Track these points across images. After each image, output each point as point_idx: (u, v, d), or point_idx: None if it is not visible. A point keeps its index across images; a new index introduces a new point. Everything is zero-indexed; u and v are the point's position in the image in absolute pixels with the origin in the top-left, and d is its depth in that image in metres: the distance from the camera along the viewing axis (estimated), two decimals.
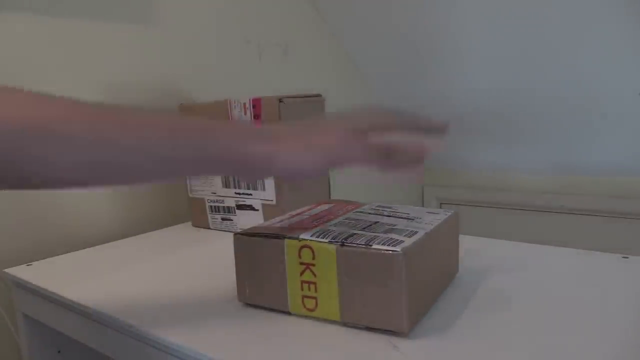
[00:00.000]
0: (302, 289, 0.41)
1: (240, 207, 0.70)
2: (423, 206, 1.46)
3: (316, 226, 0.43)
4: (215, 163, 0.37)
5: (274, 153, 0.37)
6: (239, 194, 0.69)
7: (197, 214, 0.75)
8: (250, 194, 0.68)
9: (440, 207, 1.56)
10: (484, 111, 1.27)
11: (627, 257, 0.53)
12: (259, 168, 0.37)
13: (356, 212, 0.48)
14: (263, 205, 0.67)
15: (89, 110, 0.34)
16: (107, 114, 0.35)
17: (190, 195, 0.75)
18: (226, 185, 0.70)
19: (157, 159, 0.35)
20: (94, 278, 0.55)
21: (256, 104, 0.65)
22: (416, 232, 0.41)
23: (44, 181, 0.34)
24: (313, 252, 0.39)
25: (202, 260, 0.60)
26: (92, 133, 0.33)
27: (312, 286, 0.40)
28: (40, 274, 0.58)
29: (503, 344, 0.36)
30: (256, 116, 0.66)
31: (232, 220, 0.71)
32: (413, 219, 0.45)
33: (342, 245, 0.38)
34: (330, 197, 0.74)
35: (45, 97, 0.34)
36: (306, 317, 0.41)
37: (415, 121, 0.43)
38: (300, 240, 0.40)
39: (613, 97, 1.07)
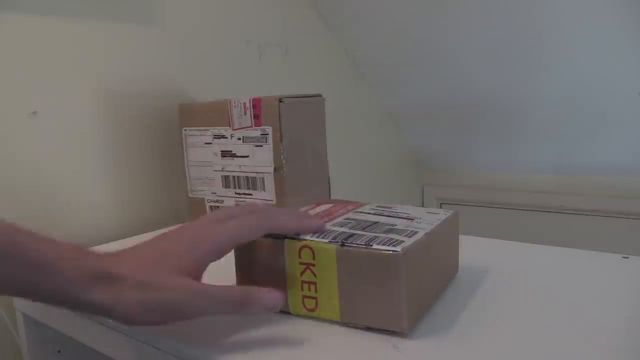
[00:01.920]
0: (302, 289, 0.41)
1: None
2: (423, 206, 1.47)
3: None
4: (46, 301, 0.33)
5: (111, 304, 0.33)
6: (239, 194, 0.69)
7: (197, 214, 0.75)
8: (250, 194, 0.68)
9: (440, 207, 1.56)
10: (483, 111, 1.27)
11: (627, 257, 0.53)
12: (95, 312, 0.34)
13: (356, 212, 0.48)
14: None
15: None
16: None
17: (190, 195, 0.75)
18: (226, 185, 0.70)
19: None
20: None
21: (256, 104, 0.65)
22: (416, 232, 0.41)
23: None
24: (313, 252, 0.39)
25: None
26: None
27: (312, 286, 0.40)
28: None
29: (503, 344, 0.36)
30: (256, 116, 0.66)
31: None
32: (413, 219, 0.45)
33: (342, 245, 0.38)
34: (330, 197, 0.74)
35: None
36: (306, 317, 0.41)
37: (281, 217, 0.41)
38: (300, 240, 0.40)
39: (613, 97, 1.08)
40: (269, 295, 0.37)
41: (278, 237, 0.41)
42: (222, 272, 0.52)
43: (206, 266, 0.38)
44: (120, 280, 0.33)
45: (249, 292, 0.37)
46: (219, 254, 0.38)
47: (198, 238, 0.38)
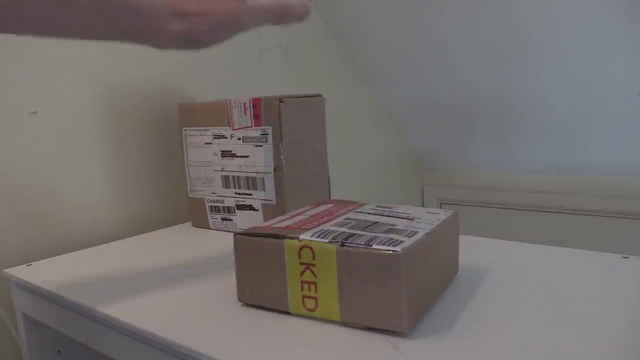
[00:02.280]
0: (302, 289, 0.41)
1: (240, 207, 0.70)
2: (423, 206, 1.47)
3: (316, 226, 0.43)
4: (139, 33, 0.45)
5: (188, 30, 0.45)
6: (238, 194, 0.69)
7: (197, 214, 0.75)
8: (250, 194, 0.68)
9: (440, 207, 1.56)
10: (483, 111, 1.27)
11: (627, 257, 0.53)
12: (176, 39, 0.45)
13: (356, 212, 0.48)
14: (263, 205, 0.67)
15: None
16: None
17: (190, 196, 0.75)
18: (226, 185, 0.70)
19: (100, 28, 0.43)
20: (94, 278, 0.55)
21: (256, 104, 0.65)
22: (416, 232, 0.41)
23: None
24: (313, 252, 0.39)
25: (202, 260, 0.60)
26: None
27: (312, 286, 0.40)
28: (40, 274, 0.58)
29: (503, 344, 0.36)
30: (256, 116, 0.66)
31: (232, 220, 0.71)
32: (413, 219, 0.45)
33: (342, 245, 0.38)
34: (330, 197, 0.74)
35: None
36: (306, 317, 0.41)
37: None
38: (300, 240, 0.40)
39: (613, 97, 1.08)
40: (299, 8, 0.48)
41: (278, 237, 0.41)
42: (222, 272, 0.52)
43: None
44: (191, 15, 0.45)
45: (285, 5, 0.48)
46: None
47: None
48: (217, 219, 0.73)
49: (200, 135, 0.71)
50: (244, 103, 0.66)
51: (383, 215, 0.47)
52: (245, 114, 0.66)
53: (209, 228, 0.74)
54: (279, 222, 0.46)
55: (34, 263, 0.62)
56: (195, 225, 0.76)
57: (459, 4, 1.04)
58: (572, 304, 0.42)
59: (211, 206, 0.73)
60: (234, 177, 0.69)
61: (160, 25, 0.44)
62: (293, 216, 0.48)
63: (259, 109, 0.65)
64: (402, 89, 1.32)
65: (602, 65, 1.02)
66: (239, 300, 0.44)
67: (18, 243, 0.67)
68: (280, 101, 0.64)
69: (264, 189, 0.67)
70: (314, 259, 0.39)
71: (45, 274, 0.58)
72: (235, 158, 0.68)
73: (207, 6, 0.46)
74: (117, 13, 0.43)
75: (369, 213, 0.48)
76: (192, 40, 0.46)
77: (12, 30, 0.41)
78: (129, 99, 0.78)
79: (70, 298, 0.49)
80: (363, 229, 0.42)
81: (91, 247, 0.68)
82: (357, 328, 0.39)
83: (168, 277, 0.54)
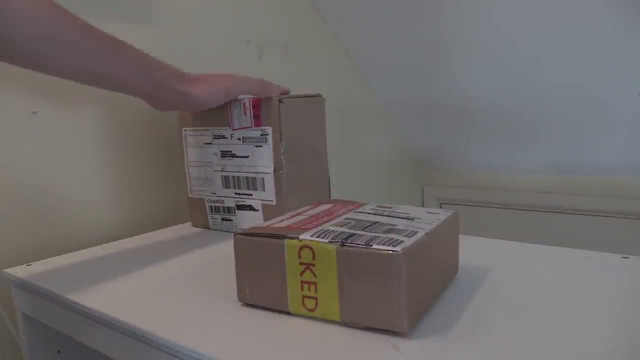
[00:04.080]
0: (302, 289, 0.41)
1: (240, 207, 0.70)
2: (423, 206, 1.47)
3: (316, 226, 0.43)
4: (154, 89, 0.57)
5: (191, 91, 0.60)
6: (238, 194, 0.69)
7: (197, 214, 0.75)
8: (250, 194, 0.68)
9: (440, 207, 1.56)
10: (483, 111, 1.27)
11: (627, 257, 0.53)
12: (180, 97, 0.59)
13: (356, 212, 0.48)
14: (263, 205, 0.67)
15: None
16: (106, 38, 0.52)
17: (190, 196, 0.75)
18: (226, 185, 0.70)
19: (120, 77, 0.54)
20: (94, 278, 0.55)
21: (256, 104, 0.65)
22: (416, 232, 0.41)
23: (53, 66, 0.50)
24: (313, 252, 0.39)
25: (202, 260, 0.60)
26: (93, 43, 0.51)
27: (312, 286, 0.40)
28: (40, 274, 0.58)
29: (503, 344, 0.36)
30: (256, 116, 0.66)
31: (232, 220, 0.71)
32: (413, 219, 0.45)
33: (342, 245, 0.38)
34: (330, 197, 0.74)
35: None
36: (306, 317, 0.41)
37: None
38: (300, 240, 0.40)
39: (613, 97, 1.08)
40: (277, 89, 0.67)
41: (278, 237, 0.41)
42: (222, 272, 0.52)
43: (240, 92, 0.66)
44: (194, 80, 0.60)
45: (265, 85, 0.67)
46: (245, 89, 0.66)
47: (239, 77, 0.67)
48: (217, 219, 0.73)
49: (200, 135, 0.71)
50: (244, 103, 0.66)
51: (383, 215, 0.47)
52: (245, 114, 0.66)
53: (209, 228, 0.74)
54: (279, 222, 0.46)
55: (34, 263, 0.61)
56: (195, 225, 0.76)
57: (459, 4, 1.04)
58: (572, 304, 0.42)
59: (211, 206, 0.73)
60: (234, 177, 0.69)
61: (172, 84, 0.58)
62: (293, 216, 0.48)
63: (259, 109, 0.65)
64: (402, 89, 1.32)
65: (603, 65, 1.02)
66: (239, 300, 0.44)
67: (18, 243, 0.67)
68: (280, 101, 0.64)
69: (264, 189, 0.67)
70: (314, 259, 0.39)
71: (45, 274, 0.58)
72: (235, 158, 0.68)
73: (209, 78, 0.63)
74: (148, 71, 0.56)
75: (369, 213, 0.48)
76: (194, 100, 0.60)
77: (52, 73, 0.51)
78: (129, 99, 0.78)
79: (70, 298, 0.49)
80: (363, 229, 0.42)
81: (91, 247, 0.68)
82: (357, 328, 0.39)
83: (168, 277, 0.54)
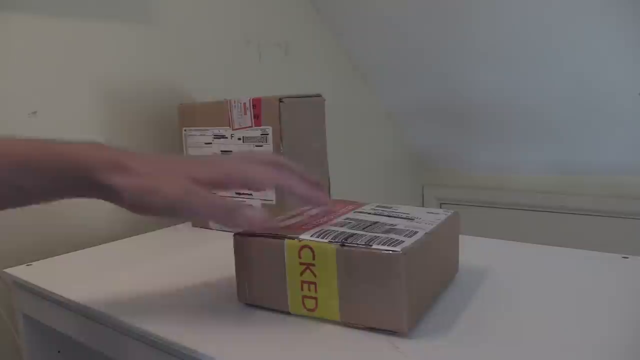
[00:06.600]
0: (302, 289, 0.41)
1: None
2: (423, 206, 1.47)
3: (316, 226, 0.43)
4: (68, 191, 0.40)
5: (124, 188, 0.38)
6: (238, 194, 0.69)
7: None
8: (250, 194, 0.68)
9: (440, 207, 1.56)
10: (483, 111, 1.27)
11: (627, 257, 0.53)
12: (108, 195, 0.39)
13: (356, 212, 0.48)
14: (263, 205, 0.67)
15: None
16: None
17: None
18: None
19: (12, 188, 0.39)
20: (94, 278, 0.55)
21: (256, 104, 0.65)
22: (416, 232, 0.41)
23: None
24: (313, 252, 0.39)
25: (202, 261, 0.60)
26: None
27: (312, 286, 0.40)
28: (40, 274, 0.58)
29: (503, 344, 0.36)
30: (256, 116, 0.66)
31: None
32: (413, 219, 0.45)
33: (342, 245, 0.38)
34: (330, 197, 0.74)
35: None
36: (306, 317, 0.41)
37: (292, 174, 0.44)
38: (300, 241, 0.40)
39: (613, 97, 1.07)
40: (254, 213, 0.39)
41: (278, 237, 0.41)
42: (222, 272, 0.52)
43: (214, 188, 0.40)
44: (131, 170, 0.38)
45: (239, 206, 0.39)
46: (228, 185, 0.41)
47: (216, 162, 0.43)
48: None
49: (200, 135, 0.71)
50: (244, 103, 0.66)
51: (383, 215, 0.46)
52: (245, 114, 0.66)
53: (209, 228, 0.74)
54: (279, 222, 0.46)
55: (34, 263, 0.61)
56: (195, 225, 0.76)
57: (459, 4, 1.04)
58: (572, 304, 0.42)
59: None
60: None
61: (94, 174, 0.38)
62: (293, 216, 0.48)
63: (259, 109, 0.65)
64: (402, 89, 1.31)
65: (603, 65, 1.02)
66: (239, 300, 0.44)
67: (18, 243, 0.67)
68: (280, 101, 0.64)
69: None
70: (314, 259, 0.39)
71: (45, 274, 0.58)
72: None
73: (154, 170, 0.39)
74: (47, 170, 0.40)
75: (369, 213, 0.48)
76: (125, 199, 0.38)
77: None
78: (129, 99, 0.78)
79: (70, 298, 0.49)
80: (363, 229, 0.42)
81: (91, 247, 0.68)
82: (357, 328, 0.39)
83: (168, 277, 0.54)
